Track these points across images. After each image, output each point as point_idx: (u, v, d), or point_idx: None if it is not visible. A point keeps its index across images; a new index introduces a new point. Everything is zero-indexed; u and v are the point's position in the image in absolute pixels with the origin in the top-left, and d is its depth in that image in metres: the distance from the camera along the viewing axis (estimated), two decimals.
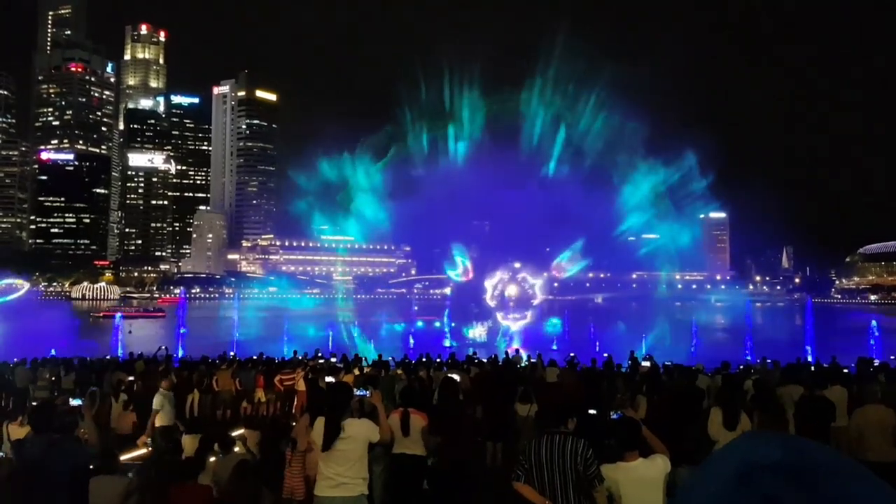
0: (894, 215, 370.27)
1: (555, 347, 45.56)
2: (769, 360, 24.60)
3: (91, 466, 7.86)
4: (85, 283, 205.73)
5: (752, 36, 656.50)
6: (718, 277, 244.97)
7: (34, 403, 7.97)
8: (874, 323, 43.96)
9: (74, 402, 8.01)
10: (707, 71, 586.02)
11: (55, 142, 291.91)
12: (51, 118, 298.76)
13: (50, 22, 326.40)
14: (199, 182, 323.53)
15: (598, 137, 54.24)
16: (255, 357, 30.20)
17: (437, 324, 48.89)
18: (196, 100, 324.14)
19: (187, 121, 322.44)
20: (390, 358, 27.46)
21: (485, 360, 28.04)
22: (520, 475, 6.56)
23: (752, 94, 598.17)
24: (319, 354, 29.65)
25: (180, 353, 37.35)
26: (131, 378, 20.03)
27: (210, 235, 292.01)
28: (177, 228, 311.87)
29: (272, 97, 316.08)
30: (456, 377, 18.37)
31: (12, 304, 44.27)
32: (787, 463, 0.89)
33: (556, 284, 51.08)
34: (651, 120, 59.44)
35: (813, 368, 23.37)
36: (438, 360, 28.02)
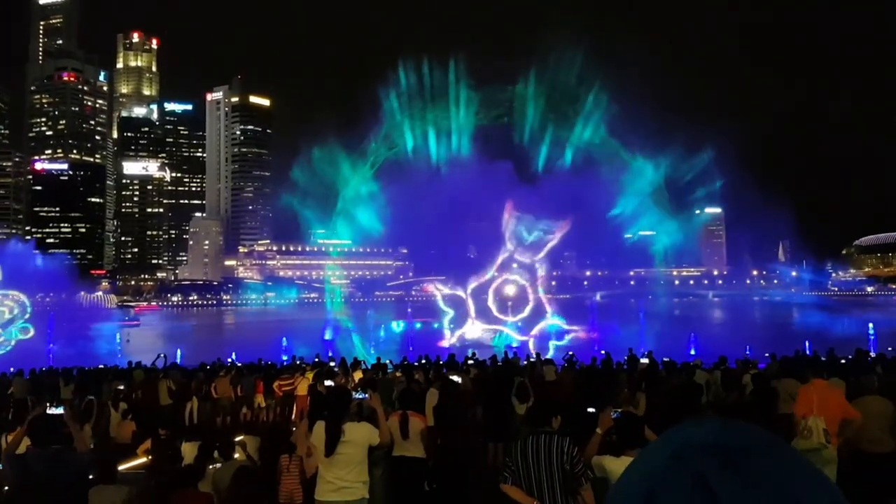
0: (888, 207, 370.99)
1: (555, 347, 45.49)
2: (766, 354, 24.66)
3: (90, 476, 7.85)
4: (81, 293, 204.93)
5: (750, 32, 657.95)
6: (715, 273, 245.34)
7: (31, 416, 7.89)
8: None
9: (55, 412, 7.95)
10: (702, 68, 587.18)
11: (49, 152, 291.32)
12: (44, 128, 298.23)
13: (41, 32, 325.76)
14: (194, 189, 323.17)
15: (595, 134, 54.18)
16: (254, 363, 30.20)
17: (436, 325, 48.85)
18: (189, 107, 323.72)
19: (181, 128, 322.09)
20: (388, 361, 27.47)
21: (484, 361, 28.02)
22: (507, 477, 6.58)
23: (746, 90, 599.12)
24: (317, 360, 29.62)
25: (178, 360, 37.24)
26: (121, 387, 19.98)
27: (206, 242, 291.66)
28: (173, 236, 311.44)
29: (266, 102, 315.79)
30: (457, 378, 18.43)
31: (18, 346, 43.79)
32: (719, 444, 0.93)
33: (553, 283, 51.06)
34: (646, 116, 59.48)
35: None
36: (438, 361, 28.00)
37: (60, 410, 8.02)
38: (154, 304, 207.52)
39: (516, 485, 6.49)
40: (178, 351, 39.66)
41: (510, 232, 46.28)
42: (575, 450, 6.47)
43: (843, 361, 22.78)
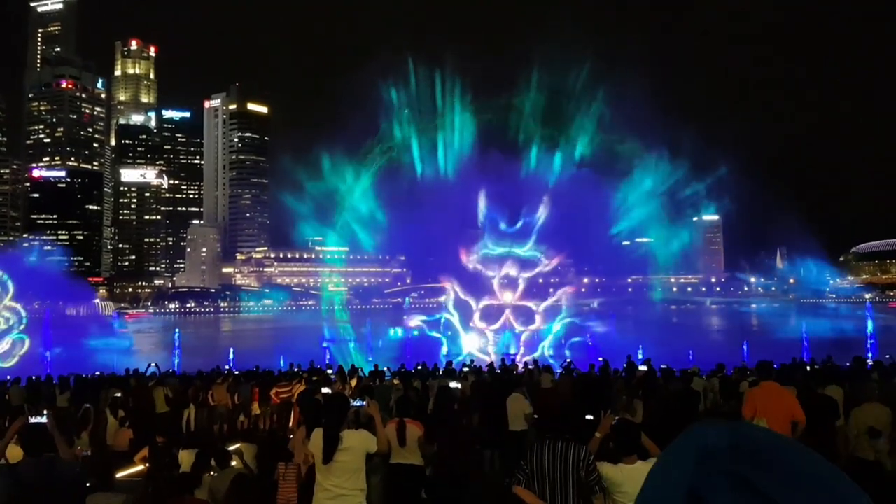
0: (886, 214, 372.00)
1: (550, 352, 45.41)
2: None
3: (87, 484, 7.82)
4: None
5: (746, 39, 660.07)
6: (713, 280, 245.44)
7: (34, 423, 7.82)
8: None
9: (38, 420, 7.90)
10: (700, 73, 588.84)
11: (47, 159, 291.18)
12: (42, 135, 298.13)
13: (39, 39, 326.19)
14: (191, 196, 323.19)
15: (594, 140, 54.24)
16: (251, 370, 30.14)
17: (434, 332, 48.78)
18: (187, 114, 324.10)
19: (179, 135, 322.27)
20: (386, 368, 27.43)
21: (482, 368, 28.00)
22: (521, 479, 6.60)
23: (743, 97, 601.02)
24: (312, 367, 29.55)
25: (170, 369, 37.12)
26: (118, 394, 19.91)
27: (204, 249, 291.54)
28: (170, 243, 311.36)
29: (264, 110, 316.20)
30: (457, 385, 18.40)
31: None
32: (737, 445, 0.97)
33: (550, 290, 50.96)
34: (643, 123, 59.55)
35: (808, 368, 23.41)
36: (434, 368, 27.97)
37: (43, 419, 7.95)
38: (144, 311, 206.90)
39: (529, 488, 6.52)
40: (176, 358, 39.67)
41: (480, 260, 46.69)
42: (591, 458, 6.51)
43: (817, 367, 22.80)
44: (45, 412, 8.07)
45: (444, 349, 45.60)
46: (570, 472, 6.42)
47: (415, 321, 49.71)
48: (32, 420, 7.99)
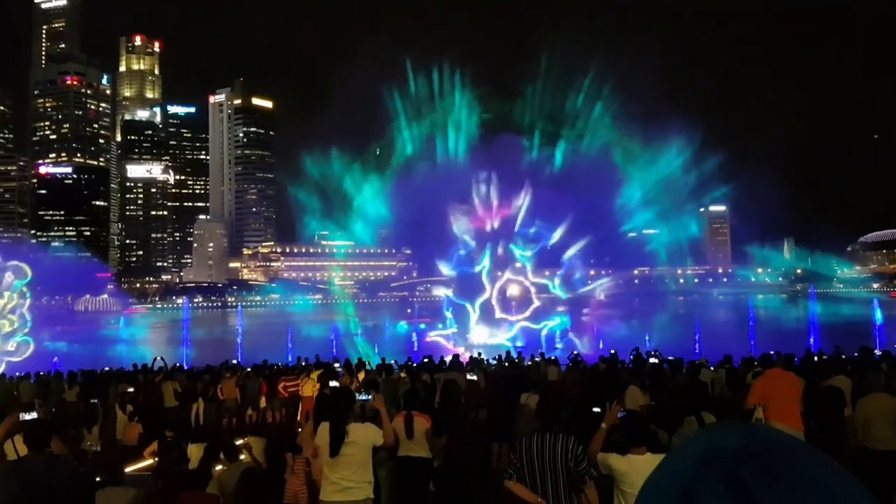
0: (893, 203, 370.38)
1: (559, 346, 45.43)
2: (772, 352, 24.54)
3: (97, 479, 7.87)
4: (87, 296, 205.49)
5: (754, 29, 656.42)
6: (720, 270, 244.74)
7: (27, 419, 7.87)
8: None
9: (28, 417, 7.93)
10: (707, 62, 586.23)
11: (53, 155, 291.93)
12: (48, 132, 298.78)
13: (44, 36, 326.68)
14: (197, 191, 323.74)
15: (597, 134, 54.26)
16: (259, 364, 30.21)
17: (440, 325, 48.88)
18: (192, 109, 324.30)
19: (184, 130, 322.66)
20: (393, 361, 27.49)
21: (491, 361, 28.04)
22: (511, 474, 6.62)
23: (749, 88, 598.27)
24: (318, 361, 29.62)
25: (177, 363, 37.24)
26: (130, 389, 20.02)
27: (211, 244, 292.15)
28: (177, 238, 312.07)
29: (269, 104, 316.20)
30: (473, 377, 18.47)
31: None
32: (746, 448, 0.95)
33: (556, 281, 50.98)
34: (650, 114, 59.52)
35: (816, 359, 23.39)
36: (441, 362, 27.97)
37: (34, 416, 7.98)
38: (145, 307, 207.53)
39: (521, 482, 6.52)
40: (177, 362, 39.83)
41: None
42: (580, 448, 6.51)
43: (825, 357, 22.74)
44: (36, 408, 8.13)
45: (449, 332, 45.99)
46: (559, 464, 6.45)
47: (440, 291, 50.53)
48: (27, 416, 8.03)
